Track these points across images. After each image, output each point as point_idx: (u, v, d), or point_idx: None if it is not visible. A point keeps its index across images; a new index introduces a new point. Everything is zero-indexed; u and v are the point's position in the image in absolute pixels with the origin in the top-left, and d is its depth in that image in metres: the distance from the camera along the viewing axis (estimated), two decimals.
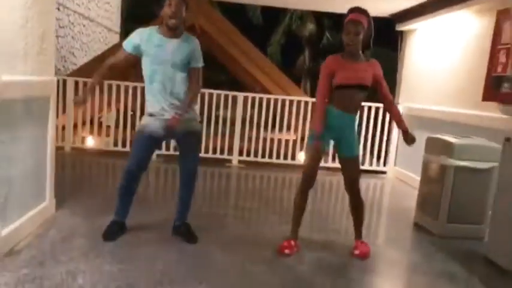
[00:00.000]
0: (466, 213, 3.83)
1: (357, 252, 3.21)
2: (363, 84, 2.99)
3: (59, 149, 6.12)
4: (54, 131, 3.43)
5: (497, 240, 3.26)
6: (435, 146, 4.03)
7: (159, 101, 2.97)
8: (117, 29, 13.72)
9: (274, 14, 14.13)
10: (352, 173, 3.17)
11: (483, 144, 3.83)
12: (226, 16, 7.57)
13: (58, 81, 6.23)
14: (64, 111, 6.33)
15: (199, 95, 3.35)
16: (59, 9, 8.87)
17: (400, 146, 6.58)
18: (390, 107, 3.23)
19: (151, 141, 3.07)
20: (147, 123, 3.04)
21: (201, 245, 3.15)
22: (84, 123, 6.64)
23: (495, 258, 3.23)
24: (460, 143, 3.81)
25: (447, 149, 3.83)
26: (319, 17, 14.09)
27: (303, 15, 14.15)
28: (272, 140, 6.56)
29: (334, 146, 3.27)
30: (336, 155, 3.71)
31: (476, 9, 4.73)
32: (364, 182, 6.32)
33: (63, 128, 6.43)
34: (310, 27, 14.27)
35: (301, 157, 6.53)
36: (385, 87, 3.11)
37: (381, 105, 6.54)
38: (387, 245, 3.75)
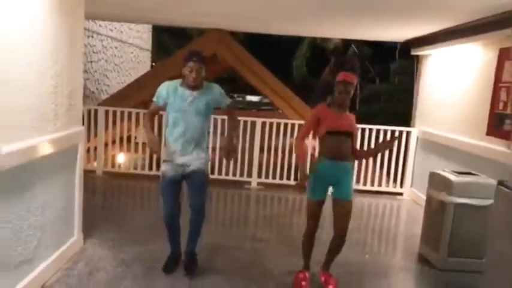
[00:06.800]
0: (467, 247, 3.97)
1: (331, 287, 3.44)
2: (351, 131, 3.29)
3: (90, 173, 6.68)
4: (82, 174, 3.83)
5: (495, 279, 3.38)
6: (436, 182, 4.19)
7: (177, 144, 3.38)
8: (149, 47, 14.35)
9: None
10: (344, 215, 3.35)
11: (482, 181, 3.96)
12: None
13: (90, 110, 6.84)
14: (95, 135, 6.85)
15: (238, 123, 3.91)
16: (92, 36, 9.48)
17: (417, 168, 6.69)
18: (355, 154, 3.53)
19: (174, 185, 3.47)
20: (165, 170, 3.46)
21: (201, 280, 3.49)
22: (114, 142, 7.17)
23: None
24: (459, 180, 3.96)
25: (447, 186, 3.99)
26: None
27: None
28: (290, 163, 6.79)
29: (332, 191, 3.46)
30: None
31: (481, 44, 4.85)
32: (380, 203, 6.52)
33: (95, 148, 6.95)
34: (336, 39, 14.38)
35: None
36: (356, 137, 3.47)
37: (396, 128, 6.75)
38: (389, 275, 3.96)
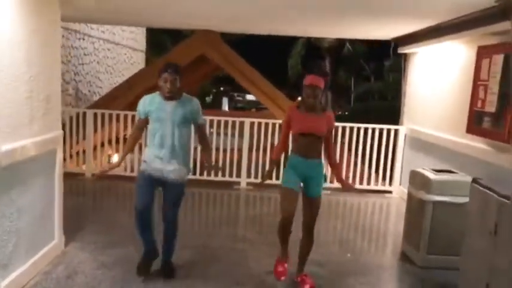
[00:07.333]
0: (446, 245, 3.99)
1: (307, 286, 3.48)
2: (317, 134, 3.33)
3: (79, 175, 6.73)
4: (61, 177, 3.86)
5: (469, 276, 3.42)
6: (416, 180, 4.21)
7: (155, 151, 3.41)
8: (143, 48, 14.38)
9: None
10: (312, 212, 3.43)
11: (460, 179, 3.97)
12: None
13: (78, 113, 6.87)
14: (84, 138, 6.88)
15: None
16: (83, 38, 9.51)
17: (406, 165, 6.70)
18: (329, 160, 3.59)
19: (151, 182, 3.41)
20: (144, 169, 3.46)
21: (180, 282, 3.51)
22: (103, 144, 7.22)
23: None
24: (438, 179, 3.98)
25: (426, 184, 4.01)
26: None
27: None
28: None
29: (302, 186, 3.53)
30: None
31: (462, 41, 4.86)
32: (369, 202, 6.53)
33: (84, 151, 6.97)
34: (330, 38, 14.41)
35: None
36: (329, 139, 3.49)
37: (384, 126, 6.77)
38: (370, 274, 3.98)
